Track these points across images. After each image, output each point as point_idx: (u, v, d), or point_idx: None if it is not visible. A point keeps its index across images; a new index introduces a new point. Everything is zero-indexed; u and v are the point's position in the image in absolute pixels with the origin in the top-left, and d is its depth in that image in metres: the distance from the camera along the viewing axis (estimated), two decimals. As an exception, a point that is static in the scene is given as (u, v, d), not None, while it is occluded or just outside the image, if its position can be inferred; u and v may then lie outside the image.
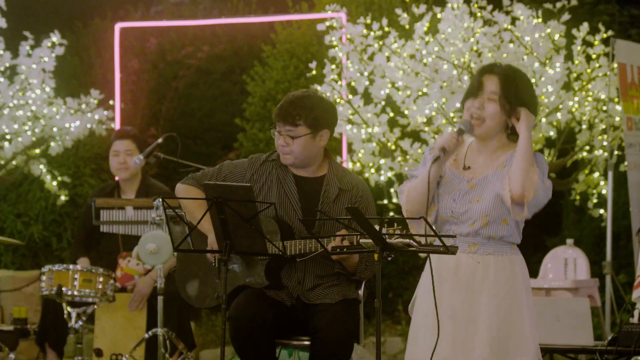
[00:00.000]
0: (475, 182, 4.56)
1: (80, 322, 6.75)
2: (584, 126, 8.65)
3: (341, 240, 5.04)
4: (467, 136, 4.64)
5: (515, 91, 4.53)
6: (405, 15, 8.51)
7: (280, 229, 5.29)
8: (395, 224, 4.43)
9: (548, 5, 8.66)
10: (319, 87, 8.46)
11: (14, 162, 9.18)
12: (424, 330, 4.54)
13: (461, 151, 4.65)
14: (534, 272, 7.02)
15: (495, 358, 4.44)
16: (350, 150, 8.91)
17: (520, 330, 4.48)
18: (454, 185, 4.58)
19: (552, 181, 4.60)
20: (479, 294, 4.50)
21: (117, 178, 7.78)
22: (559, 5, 8.56)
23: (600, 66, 8.47)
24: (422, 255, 8.81)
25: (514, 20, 8.36)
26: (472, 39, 8.21)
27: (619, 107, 8.35)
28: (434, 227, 4.45)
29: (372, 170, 8.61)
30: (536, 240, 9.60)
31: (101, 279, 6.81)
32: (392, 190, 8.77)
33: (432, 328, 4.44)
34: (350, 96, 8.52)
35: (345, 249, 4.78)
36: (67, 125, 8.95)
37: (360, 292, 5.54)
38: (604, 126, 8.54)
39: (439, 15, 8.41)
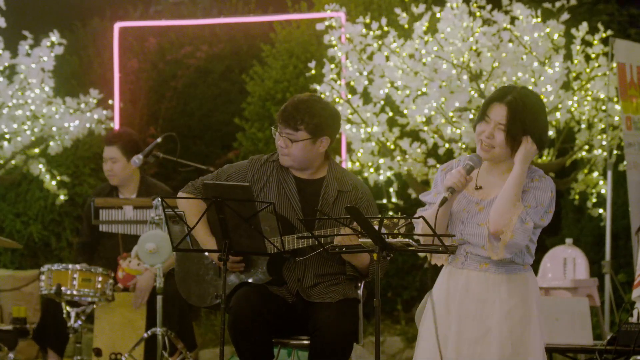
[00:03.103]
0: (483, 205, 4.51)
1: (79, 322, 6.74)
2: (583, 126, 8.64)
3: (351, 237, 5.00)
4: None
5: (522, 122, 4.43)
6: (404, 14, 8.50)
7: (279, 226, 5.27)
8: (398, 220, 4.42)
9: (547, 5, 8.65)
10: (318, 87, 8.46)
11: (13, 162, 9.17)
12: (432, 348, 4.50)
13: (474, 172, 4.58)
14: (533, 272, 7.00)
15: None
16: (350, 150, 8.90)
17: (532, 349, 4.45)
18: (463, 206, 4.54)
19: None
20: (491, 313, 4.46)
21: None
22: (558, 4, 8.55)
23: (599, 66, 8.47)
24: (422, 254, 8.81)
25: (513, 20, 8.35)
26: (471, 39, 8.21)
27: (618, 107, 8.35)
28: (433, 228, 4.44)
29: (372, 170, 8.61)
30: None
31: (100, 279, 6.81)
32: (390, 189, 8.77)
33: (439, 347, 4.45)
34: (349, 96, 8.52)
35: (344, 249, 4.76)
36: (66, 124, 8.95)
37: (360, 291, 5.54)
38: (603, 126, 8.54)
39: (438, 15, 8.41)
